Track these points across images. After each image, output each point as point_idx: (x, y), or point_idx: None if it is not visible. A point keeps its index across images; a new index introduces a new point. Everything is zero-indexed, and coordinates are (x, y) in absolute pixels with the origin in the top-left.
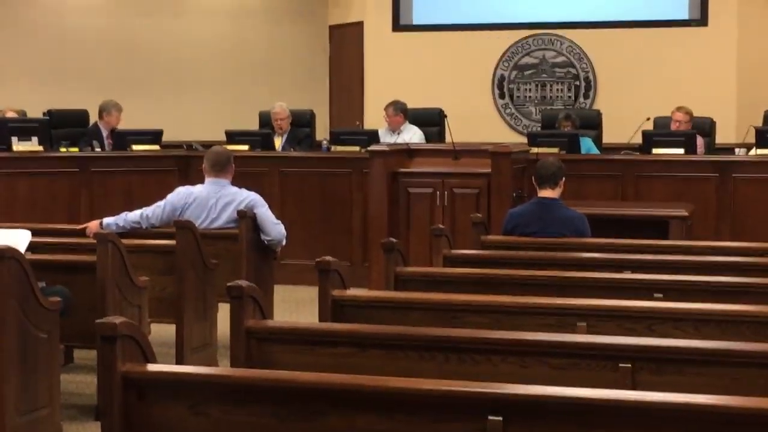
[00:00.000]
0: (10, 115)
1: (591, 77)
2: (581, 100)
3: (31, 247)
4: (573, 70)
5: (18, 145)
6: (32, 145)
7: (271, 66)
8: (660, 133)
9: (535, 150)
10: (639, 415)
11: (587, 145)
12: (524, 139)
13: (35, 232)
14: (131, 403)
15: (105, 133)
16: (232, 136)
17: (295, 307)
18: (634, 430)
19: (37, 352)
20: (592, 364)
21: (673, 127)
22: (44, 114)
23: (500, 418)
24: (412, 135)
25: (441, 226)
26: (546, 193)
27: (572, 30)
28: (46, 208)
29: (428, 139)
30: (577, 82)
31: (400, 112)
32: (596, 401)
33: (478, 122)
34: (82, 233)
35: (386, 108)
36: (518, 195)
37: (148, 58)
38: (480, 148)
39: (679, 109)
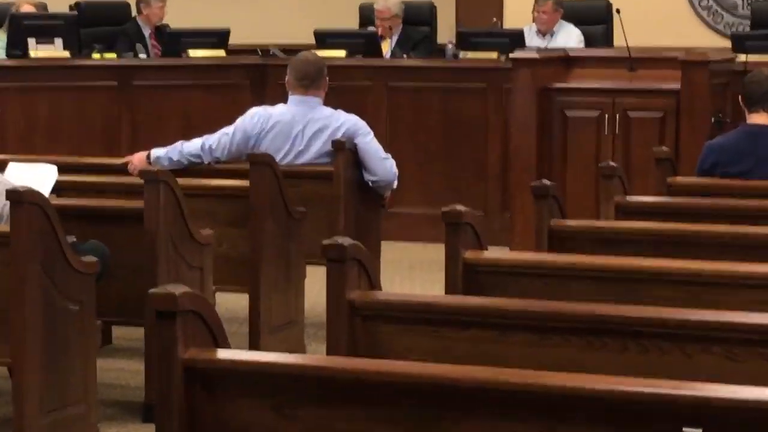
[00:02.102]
0: (27, 9)
1: None
2: None
3: (57, 189)
4: None
5: (37, 50)
6: (55, 50)
7: None
8: None
9: (742, 58)
10: None
11: None
12: (727, 43)
13: (61, 168)
14: (196, 400)
15: (147, 32)
16: (324, 38)
17: (411, 272)
18: None
19: (67, 329)
20: None
21: None
22: (71, 7)
23: (699, 431)
24: (569, 37)
25: (611, 162)
26: (759, 118)
27: None
28: (74, 134)
29: (590, 43)
30: None
31: (560, 8)
32: None
33: (663, 19)
34: (123, 170)
35: (541, 1)
36: (719, 121)
37: None
38: (665, 56)
39: None
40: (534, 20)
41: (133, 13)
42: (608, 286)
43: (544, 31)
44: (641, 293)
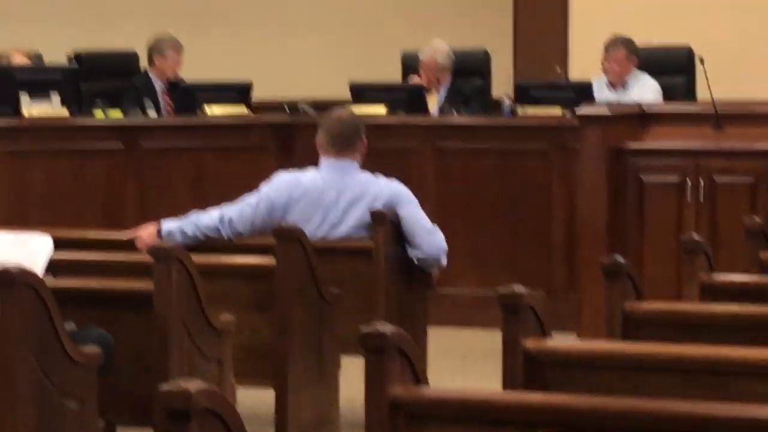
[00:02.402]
0: (20, 60)
1: None
2: None
3: (54, 267)
4: None
5: (31, 108)
6: (51, 108)
7: None
8: None
9: None
10: None
11: None
12: None
13: (59, 244)
14: None
15: (159, 87)
16: (361, 92)
17: (463, 364)
18: None
19: (65, 430)
20: None
21: None
22: (70, 59)
23: None
24: (644, 89)
25: (695, 235)
26: None
27: None
28: (73, 205)
29: (670, 96)
30: None
31: (634, 56)
32: None
33: (753, 69)
34: (130, 245)
35: (610, 47)
36: None
37: None
38: (757, 111)
39: None
40: (604, 70)
41: (143, 64)
42: (693, 380)
43: (616, 83)
44: (731, 388)
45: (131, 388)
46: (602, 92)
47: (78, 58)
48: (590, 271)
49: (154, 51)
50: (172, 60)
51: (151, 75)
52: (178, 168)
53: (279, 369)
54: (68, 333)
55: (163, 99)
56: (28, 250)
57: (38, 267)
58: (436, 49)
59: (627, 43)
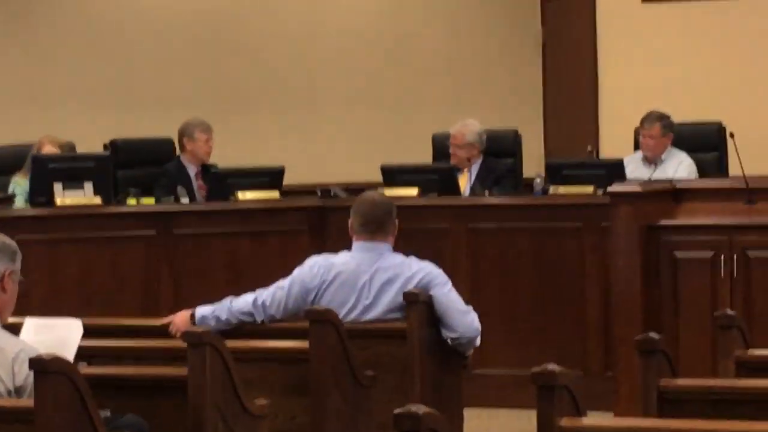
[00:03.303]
0: (50, 150)
1: None
2: None
3: (88, 355)
4: None
5: (64, 197)
6: (85, 197)
7: (452, 63)
8: None
9: None
10: None
11: None
12: None
13: (92, 331)
14: None
15: (193, 172)
16: (393, 175)
17: None
18: None
19: None
20: None
21: None
22: (105, 147)
23: None
24: (679, 166)
25: (729, 311)
26: None
27: None
28: (107, 292)
29: (702, 172)
30: None
31: (670, 132)
32: None
33: None
34: (164, 332)
35: (646, 123)
36: None
37: (260, 62)
38: None
39: None
40: (640, 145)
41: (178, 151)
42: None
43: (651, 159)
44: None
45: None
46: (637, 167)
47: (113, 145)
48: (625, 348)
49: (183, 135)
50: (202, 142)
51: (183, 160)
52: (211, 253)
53: None
54: (103, 420)
55: (197, 184)
56: (59, 335)
57: (70, 352)
58: (467, 125)
59: (662, 119)
